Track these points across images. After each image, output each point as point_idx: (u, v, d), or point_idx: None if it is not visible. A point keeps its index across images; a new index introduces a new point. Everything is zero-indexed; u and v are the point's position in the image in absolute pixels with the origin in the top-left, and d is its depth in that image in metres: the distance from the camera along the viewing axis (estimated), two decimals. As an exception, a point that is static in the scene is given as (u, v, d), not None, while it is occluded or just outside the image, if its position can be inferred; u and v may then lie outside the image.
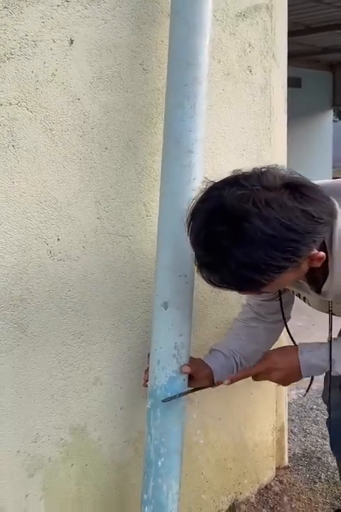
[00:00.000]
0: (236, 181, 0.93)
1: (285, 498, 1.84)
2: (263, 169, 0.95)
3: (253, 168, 0.97)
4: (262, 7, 1.58)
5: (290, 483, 1.92)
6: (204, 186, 0.99)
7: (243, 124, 1.58)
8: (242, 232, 0.88)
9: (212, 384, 1.31)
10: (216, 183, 0.98)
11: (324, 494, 1.86)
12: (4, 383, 1.17)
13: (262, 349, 1.37)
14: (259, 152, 1.64)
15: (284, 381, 1.29)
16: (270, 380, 1.29)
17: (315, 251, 0.96)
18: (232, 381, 1.26)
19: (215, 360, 1.33)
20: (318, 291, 1.16)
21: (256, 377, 1.30)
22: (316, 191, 0.95)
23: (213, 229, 0.91)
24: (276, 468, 1.95)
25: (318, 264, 1.00)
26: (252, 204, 0.88)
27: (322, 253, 0.97)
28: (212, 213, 0.92)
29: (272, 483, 1.90)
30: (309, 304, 1.31)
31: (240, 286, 0.98)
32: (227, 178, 0.98)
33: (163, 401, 1.19)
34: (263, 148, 1.65)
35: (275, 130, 1.70)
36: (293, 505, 1.81)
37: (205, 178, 1.02)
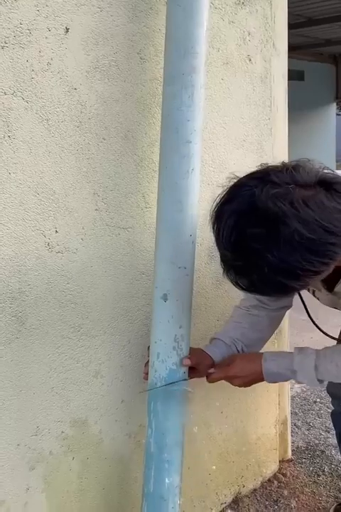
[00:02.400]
0: (267, 178, 0.87)
1: (289, 491, 1.83)
2: (294, 164, 0.89)
3: (283, 163, 0.90)
4: (262, -5, 1.56)
5: (293, 476, 1.91)
6: (229, 182, 0.92)
7: (243, 114, 1.56)
8: (278, 235, 0.82)
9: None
10: (244, 179, 0.91)
11: (327, 487, 1.85)
12: (3, 376, 1.16)
13: (264, 337, 1.36)
14: (259, 142, 1.62)
15: (245, 386, 1.28)
16: (231, 384, 1.29)
17: None
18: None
19: (216, 349, 1.31)
20: (330, 289, 1.14)
21: (213, 380, 1.28)
22: None
23: (245, 231, 0.85)
24: (279, 462, 1.94)
25: None
26: (289, 204, 0.82)
27: None
28: (244, 213, 0.85)
29: (275, 476, 1.90)
30: (318, 299, 1.29)
31: (270, 292, 0.92)
32: (255, 173, 0.91)
33: (149, 390, 1.19)
34: (263, 139, 1.63)
35: (276, 120, 1.68)
36: (296, 499, 1.80)
37: (232, 173, 0.94)
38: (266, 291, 0.92)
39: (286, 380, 1.28)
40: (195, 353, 1.26)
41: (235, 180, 0.93)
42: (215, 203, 0.93)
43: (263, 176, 0.88)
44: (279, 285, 0.86)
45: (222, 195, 0.93)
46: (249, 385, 1.28)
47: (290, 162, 0.90)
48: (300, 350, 1.24)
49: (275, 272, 0.84)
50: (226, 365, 1.27)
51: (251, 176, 0.90)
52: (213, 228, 0.93)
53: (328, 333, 1.34)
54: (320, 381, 1.22)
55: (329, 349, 1.23)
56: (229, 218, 0.88)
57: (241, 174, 0.96)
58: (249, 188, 0.87)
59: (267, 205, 0.83)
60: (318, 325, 1.34)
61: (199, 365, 1.27)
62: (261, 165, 0.93)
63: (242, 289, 0.93)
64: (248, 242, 0.85)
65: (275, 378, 1.26)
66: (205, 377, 1.28)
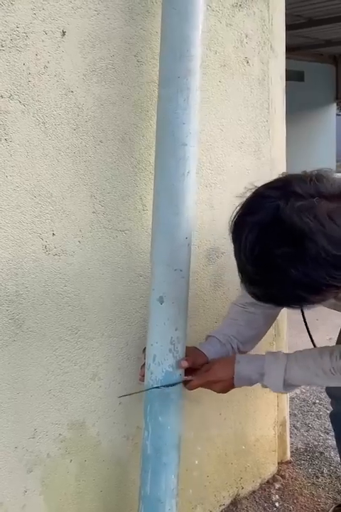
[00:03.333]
0: (290, 189, 0.85)
1: (287, 493, 1.83)
2: (316, 174, 0.87)
3: (305, 172, 0.89)
4: (259, -3, 1.56)
5: (292, 478, 1.91)
6: (248, 192, 0.91)
7: (240, 116, 1.56)
8: (304, 251, 0.81)
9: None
10: (265, 190, 0.89)
11: (326, 489, 1.85)
12: (0, 379, 1.16)
13: (260, 334, 1.37)
14: (257, 144, 1.63)
15: (224, 391, 1.28)
16: (212, 390, 1.28)
17: None
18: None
19: (210, 347, 1.31)
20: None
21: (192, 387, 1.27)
22: None
23: (269, 246, 0.83)
24: (278, 463, 1.94)
25: None
26: (315, 219, 0.81)
27: None
28: (268, 228, 0.83)
29: (274, 478, 1.89)
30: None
31: (289, 304, 0.91)
32: (276, 183, 0.89)
33: (144, 390, 1.19)
34: (261, 141, 1.63)
35: (274, 122, 1.68)
36: (295, 500, 1.80)
37: (251, 183, 0.92)
38: (284, 303, 0.92)
39: (251, 385, 1.27)
40: (189, 352, 1.26)
41: (254, 190, 0.91)
42: (235, 212, 0.91)
43: (286, 186, 0.86)
44: (299, 299, 0.86)
45: (242, 205, 0.91)
46: (228, 390, 1.27)
47: (312, 172, 0.89)
48: (272, 353, 1.25)
49: (299, 288, 0.84)
50: (205, 371, 1.26)
51: (273, 186, 0.88)
52: (233, 239, 0.91)
53: (313, 340, 1.34)
54: (288, 386, 1.21)
55: (301, 352, 1.22)
56: (251, 231, 0.86)
57: (260, 183, 0.93)
58: (273, 199, 0.85)
59: (292, 220, 0.81)
60: (309, 330, 1.34)
61: (195, 364, 1.27)
62: (282, 174, 0.91)
63: (258, 299, 0.92)
64: (271, 257, 0.83)
65: (244, 382, 1.25)
66: (183, 384, 1.25)
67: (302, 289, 0.84)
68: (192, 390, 1.27)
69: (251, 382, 1.26)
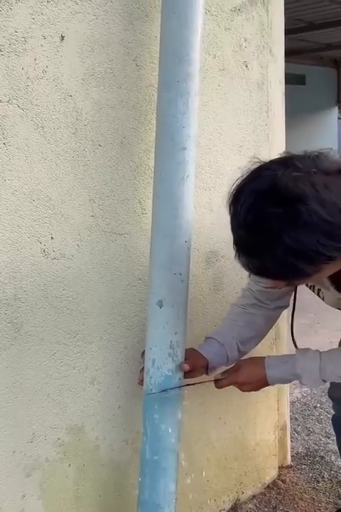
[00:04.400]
0: (290, 162, 0.87)
1: (288, 498, 1.82)
2: (316, 153, 0.90)
3: (305, 151, 0.91)
4: (258, 1, 1.57)
5: (292, 483, 1.90)
6: (251, 166, 0.92)
7: (239, 120, 1.56)
8: (296, 215, 0.81)
9: (206, 373, 1.30)
10: (266, 163, 0.91)
11: (327, 493, 1.84)
12: (-1, 383, 1.16)
13: (260, 335, 1.37)
14: (257, 148, 1.63)
15: (254, 390, 1.29)
16: (241, 390, 1.29)
17: None
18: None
19: (209, 348, 1.31)
20: (339, 288, 1.13)
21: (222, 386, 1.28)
22: None
23: (263, 209, 0.84)
24: (279, 468, 1.93)
25: None
26: (310, 185, 0.82)
27: None
28: (264, 193, 0.85)
29: (274, 483, 1.89)
30: (323, 299, 1.29)
31: (281, 275, 0.91)
32: (278, 158, 0.92)
33: (148, 394, 1.19)
34: (260, 144, 1.63)
35: (273, 126, 1.68)
36: (295, 505, 1.79)
37: (255, 157, 0.94)
38: (277, 273, 0.90)
39: (289, 382, 1.30)
40: (188, 354, 1.26)
41: (257, 164, 0.93)
42: (235, 184, 0.92)
43: (286, 161, 0.89)
44: (291, 268, 0.86)
45: (241, 176, 0.93)
46: (258, 390, 1.29)
47: (313, 151, 0.91)
48: (303, 353, 1.23)
49: (289, 254, 0.84)
50: (233, 371, 1.27)
51: (274, 161, 0.91)
52: (230, 208, 0.92)
53: (296, 344, 1.33)
54: (324, 382, 1.22)
55: (335, 350, 1.23)
56: (247, 197, 0.87)
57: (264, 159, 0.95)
58: (271, 170, 0.87)
59: (287, 186, 0.83)
60: (294, 335, 1.34)
61: (194, 367, 1.27)
62: (284, 152, 0.93)
63: (252, 272, 0.93)
64: (265, 222, 0.84)
65: (280, 382, 1.29)
66: (213, 383, 1.27)
67: (293, 255, 0.84)
68: (221, 388, 1.28)
69: (288, 382, 1.29)
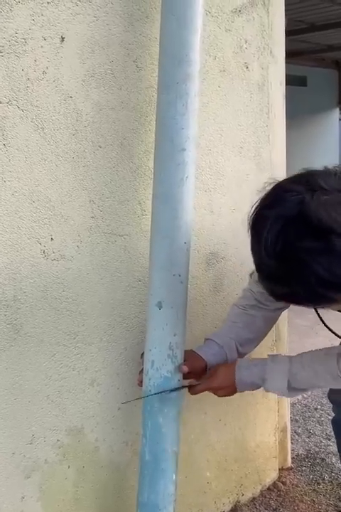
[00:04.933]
0: (315, 183, 0.83)
1: (288, 500, 1.82)
2: (337, 169, 0.86)
3: (326, 167, 0.87)
4: (258, 3, 1.57)
5: (293, 485, 1.89)
6: (268, 186, 0.89)
7: (240, 121, 1.56)
8: (330, 247, 0.79)
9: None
10: (288, 183, 0.87)
11: (327, 496, 1.83)
12: (-2, 384, 1.16)
13: (260, 336, 1.36)
14: (257, 149, 1.63)
15: (229, 395, 1.28)
16: (216, 396, 1.28)
17: None
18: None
19: (208, 350, 1.30)
20: None
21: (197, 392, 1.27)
22: None
23: (293, 239, 0.81)
24: (279, 469, 1.93)
25: None
26: None
27: None
28: (293, 221, 0.81)
29: (275, 485, 1.88)
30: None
31: (310, 302, 0.89)
32: (300, 177, 0.87)
33: (145, 397, 1.18)
34: (261, 145, 1.63)
35: (274, 127, 1.68)
36: (296, 507, 1.78)
37: (272, 177, 0.91)
38: (304, 301, 0.88)
39: (254, 389, 1.26)
40: (187, 356, 1.26)
41: (275, 184, 0.89)
42: (255, 206, 0.89)
43: (310, 180, 0.84)
44: (321, 296, 0.84)
45: (262, 199, 0.89)
46: (232, 394, 1.27)
47: (335, 167, 0.87)
48: (274, 357, 1.23)
49: (322, 284, 0.82)
50: (209, 376, 1.26)
51: (296, 181, 0.86)
52: (253, 234, 0.89)
53: (336, 333, 1.27)
54: (293, 390, 1.18)
55: (307, 355, 1.20)
56: (274, 225, 0.83)
57: (280, 178, 0.92)
58: (296, 193, 0.83)
59: (319, 215, 0.80)
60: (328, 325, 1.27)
61: (193, 368, 1.26)
62: (302, 169, 0.89)
63: (276, 296, 0.90)
64: (296, 252, 0.81)
65: (247, 387, 1.25)
66: (188, 389, 1.26)
67: (324, 285, 0.82)
68: (195, 394, 1.27)
69: (254, 387, 1.26)
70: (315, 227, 0.80)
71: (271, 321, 1.40)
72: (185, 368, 1.22)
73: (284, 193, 0.85)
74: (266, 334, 1.40)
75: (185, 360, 1.24)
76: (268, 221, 0.84)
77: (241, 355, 1.33)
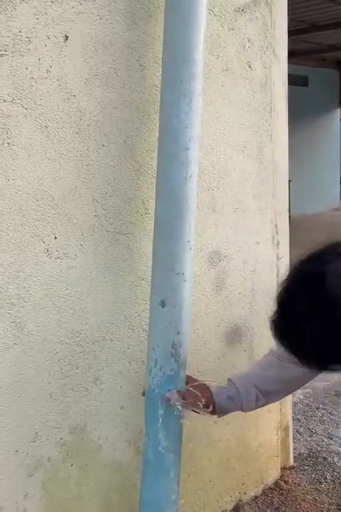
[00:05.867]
0: None
1: (290, 499, 1.82)
2: None
3: None
4: (261, 2, 1.57)
5: (295, 484, 1.89)
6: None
7: (243, 120, 1.56)
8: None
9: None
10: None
11: (329, 494, 1.83)
12: (2, 382, 1.16)
13: (288, 391, 1.32)
14: (260, 148, 1.63)
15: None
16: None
17: None
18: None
19: (221, 391, 1.26)
20: None
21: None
22: None
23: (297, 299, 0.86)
24: (281, 468, 1.93)
25: None
26: None
27: None
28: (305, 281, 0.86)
29: (277, 484, 1.88)
30: None
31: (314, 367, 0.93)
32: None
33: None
34: (263, 145, 1.63)
35: (276, 126, 1.68)
36: (298, 506, 1.78)
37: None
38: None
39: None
40: (197, 388, 1.21)
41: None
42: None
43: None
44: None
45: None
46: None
47: None
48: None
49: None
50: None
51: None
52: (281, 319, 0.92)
53: None
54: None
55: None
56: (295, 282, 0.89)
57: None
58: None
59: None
60: None
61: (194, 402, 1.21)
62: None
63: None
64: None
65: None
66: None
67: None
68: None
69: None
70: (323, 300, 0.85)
71: (306, 379, 1.28)
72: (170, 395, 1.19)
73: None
74: (296, 389, 1.34)
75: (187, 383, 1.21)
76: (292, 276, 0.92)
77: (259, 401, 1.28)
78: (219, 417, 1.30)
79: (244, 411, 1.29)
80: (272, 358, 1.30)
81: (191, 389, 1.19)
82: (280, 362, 1.26)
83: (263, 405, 1.30)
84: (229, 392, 1.26)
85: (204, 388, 1.25)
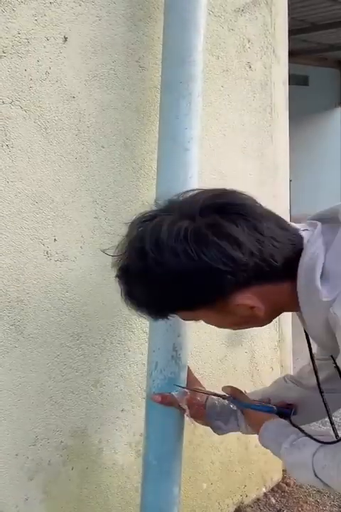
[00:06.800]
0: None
1: (292, 501, 1.81)
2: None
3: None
4: (261, 2, 1.56)
5: (297, 486, 1.89)
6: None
7: (243, 121, 1.55)
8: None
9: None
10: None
11: (331, 497, 1.83)
12: (2, 386, 1.15)
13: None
14: (260, 149, 1.62)
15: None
16: None
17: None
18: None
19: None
20: None
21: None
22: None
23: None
24: (283, 471, 1.92)
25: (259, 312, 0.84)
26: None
27: (248, 301, 0.82)
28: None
29: (279, 486, 1.88)
30: None
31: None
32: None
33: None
34: (264, 145, 1.63)
35: (277, 126, 1.68)
36: (300, 508, 1.78)
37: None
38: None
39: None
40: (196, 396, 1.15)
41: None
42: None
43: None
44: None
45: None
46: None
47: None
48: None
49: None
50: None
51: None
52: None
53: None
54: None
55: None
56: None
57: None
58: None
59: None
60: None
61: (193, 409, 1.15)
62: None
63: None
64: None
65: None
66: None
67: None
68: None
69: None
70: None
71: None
72: (157, 398, 1.14)
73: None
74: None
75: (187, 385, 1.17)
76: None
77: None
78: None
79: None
80: (283, 382, 1.20)
81: (188, 391, 1.16)
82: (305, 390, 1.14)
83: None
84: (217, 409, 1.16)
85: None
